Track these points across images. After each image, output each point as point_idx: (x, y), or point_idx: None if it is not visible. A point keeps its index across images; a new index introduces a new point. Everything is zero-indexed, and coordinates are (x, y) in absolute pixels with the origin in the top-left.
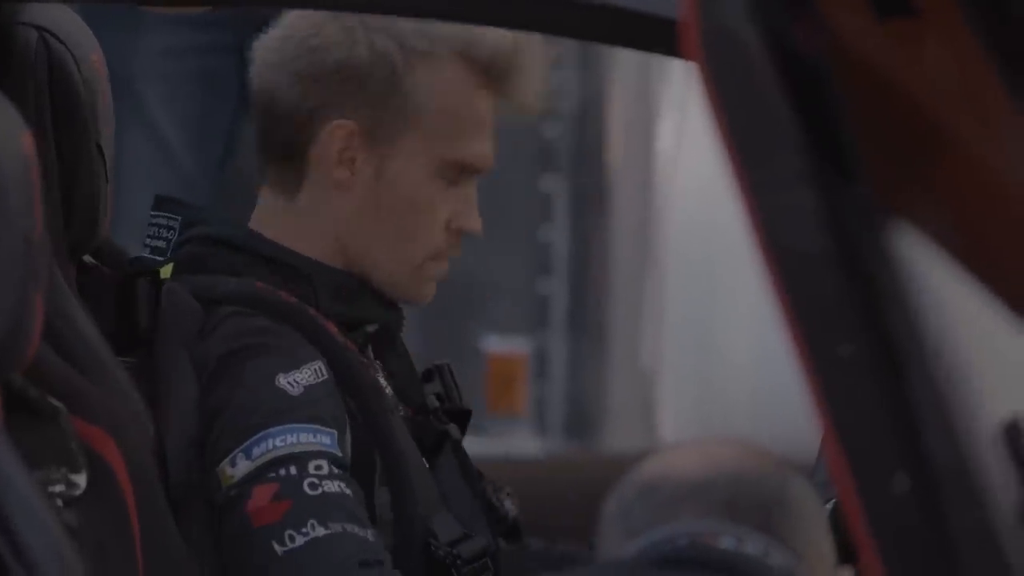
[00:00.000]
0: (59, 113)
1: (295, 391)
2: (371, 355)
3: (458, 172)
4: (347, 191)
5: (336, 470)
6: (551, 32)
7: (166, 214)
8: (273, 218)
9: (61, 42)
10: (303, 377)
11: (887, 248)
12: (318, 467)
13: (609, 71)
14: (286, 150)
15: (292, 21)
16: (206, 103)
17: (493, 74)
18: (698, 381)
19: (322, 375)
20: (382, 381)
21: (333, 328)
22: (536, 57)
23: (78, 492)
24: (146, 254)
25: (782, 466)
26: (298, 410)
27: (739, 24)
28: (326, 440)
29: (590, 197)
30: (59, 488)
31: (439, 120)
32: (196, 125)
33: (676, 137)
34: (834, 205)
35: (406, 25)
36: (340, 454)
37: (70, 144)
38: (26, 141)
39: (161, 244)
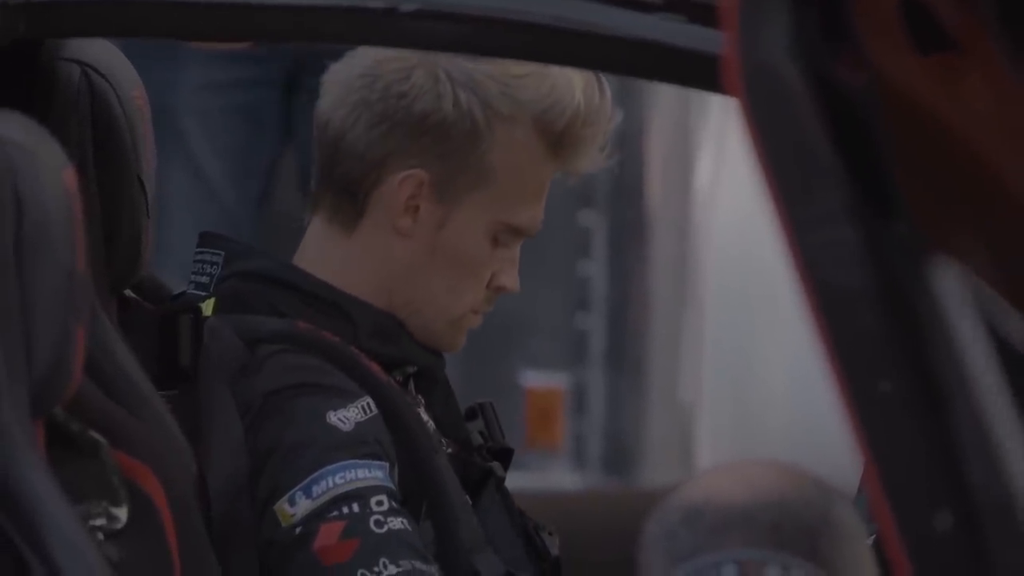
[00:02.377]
0: (101, 148)
1: (346, 427)
2: (413, 391)
3: (512, 235)
4: (405, 238)
5: (395, 505)
6: (594, 67)
7: (210, 250)
8: (321, 250)
9: (103, 77)
10: (352, 414)
11: (928, 284)
12: (379, 503)
13: (648, 106)
14: (350, 186)
15: (378, 61)
16: (247, 137)
17: (562, 145)
18: (736, 416)
19: (371, 411)
20: (425, 417)
21: (375, 366)
22: (603, 129)
23: (119, 526)
24: (190, 289)
25: (826, 490)
26: (351, 447)
27: (781, 60)
28: (380, 475)
29: (629, 232)
30: (100, 522)
31: (507, 183)
32: (237, 159)
33: (714, 172)
34: (875, 241)
35: (492, 86)
36: (395, 488)
37: (112, 179)
38: (69, 176)
39: (205, 280)
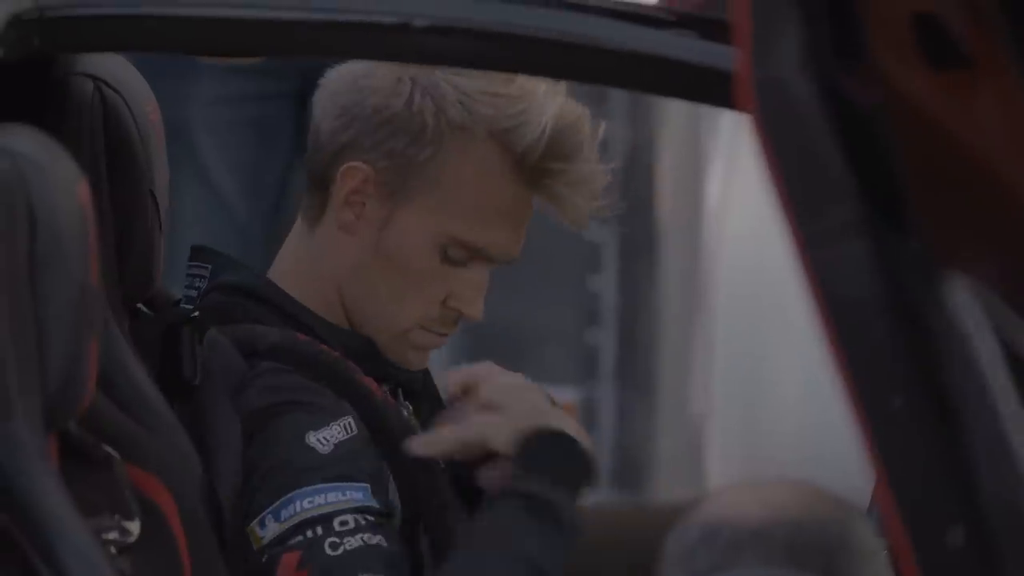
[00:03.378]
0: (114, 162)
1: (324, 449)
2: (402, 399)
3: (468, 254)
4: (350, 235)
5: (364, 521)
6: (604, 82)
7: (200, 263)
8: (289, 247)
9: (116, 92)
10: (333, 433)
11: (940, 299)
12: (343, 523)
13: (658, 121)
14: (315, 182)
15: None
16: (260, 151)
17: (528, 171)
18: (747, 431)
19: (352, 430)
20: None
21: (369, 380)
22: (581, 171)
23: (131, 539)
24: (184, 304)
25: (844, 508)
26: (327, 468)
27: (793, 76)
28: (357, 495)
29: (639, 247)
30: (113, 535)
31: (456, 195)
32: (250, 173)
33: (724, 187)
34: (887, 256)
35: (451, 94)
36: (375, 505)
37: (125, 193)
38: (82, 190)
39: (193, 293)
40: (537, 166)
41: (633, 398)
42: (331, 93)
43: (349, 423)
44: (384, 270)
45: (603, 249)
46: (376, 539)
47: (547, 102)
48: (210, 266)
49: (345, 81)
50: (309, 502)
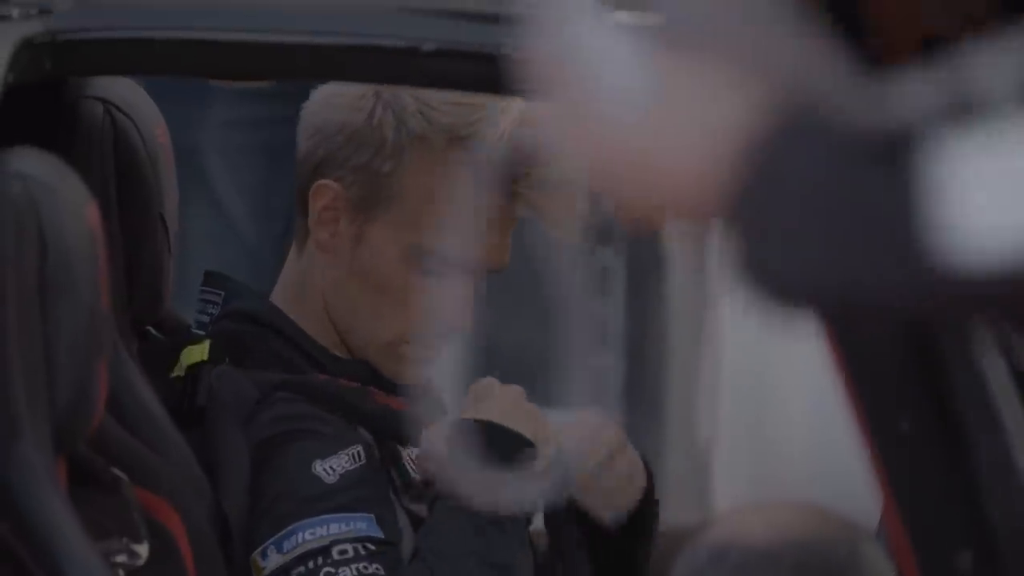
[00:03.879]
0: (123, 185)
1: (331, 478)
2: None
3: (440, 263)
4: (327, 253)
5: (364, 551)
6: None
7: (213, 289)
8: (287, 275)
9: (126, 115)
10: (340, 463)
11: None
12: (342, 552)
13: None
14: (299, 203)
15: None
16: (270, 175)
17: (513, 181)
18: (754, 454)
19: (360, 459)
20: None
21: (390, 400)
22: (553, 168)
23: (140, 562)
24: (194, 329)
25: (853, 530)
26: (331, 498)
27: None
28: (360, 525)
29: (646, 271)
30: (122, 558)
31: (422, 206)
32: (260, 196)
33: None
34: None
35: (411, 105)
36: (378, 535)
37: (134, 216)
38: (92, 213)
39: (205, 319)
40: (502, 168)
41: (640, 421)
42: (307, 114)
43: (358, 452)
44: (362, 286)
45: (611, 273)
46: (372, 568)
47: (507, 107)
48: (222, 292)
49: (318, 101)
50: (311, 533)
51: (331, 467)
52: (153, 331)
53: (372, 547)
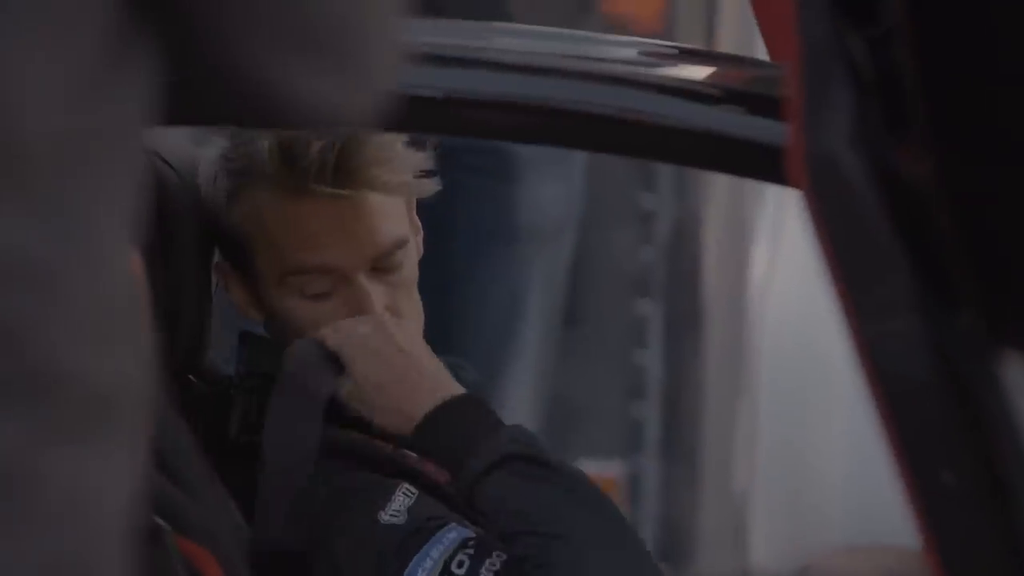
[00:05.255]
0: (165, 235)
1: (401, 519)
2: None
3: (315, 282)
4: (260, 318)
5: (475, 550)
6: (650, 157)
7: (241, 347)
8: None
9: (168, 164)
10: (400, 503)
11: (992, 375)
12: (460, 563)
13: (703, 195)
14: None
15: None
16: None
17: (295, 176)
18: (791, 505)
19: (413, 492)
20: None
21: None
22: (364, 143)
23: None
24: (232, 390)
25: None
26: (416, 535)
27: (843, 151)
28: (452, 535)
29: (684, 322)
30: None
31: (261, 243)
32: None
33: (769, 262)
34: (939, 332)
35: (215, 160)
36: (470, 533)
37: (175, 264)
38: (134, 261)
39: (236, 379)
40: (299, 168)
41: (677, 472)
42: None
43: (407, 488)
44: (291, 334)
45: (649, 323)
46: (495, 557)
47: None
48: (247, 351)
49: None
50: (423, 571)
51: (395, 510)
52: (194, 379)
53: (475, 543)
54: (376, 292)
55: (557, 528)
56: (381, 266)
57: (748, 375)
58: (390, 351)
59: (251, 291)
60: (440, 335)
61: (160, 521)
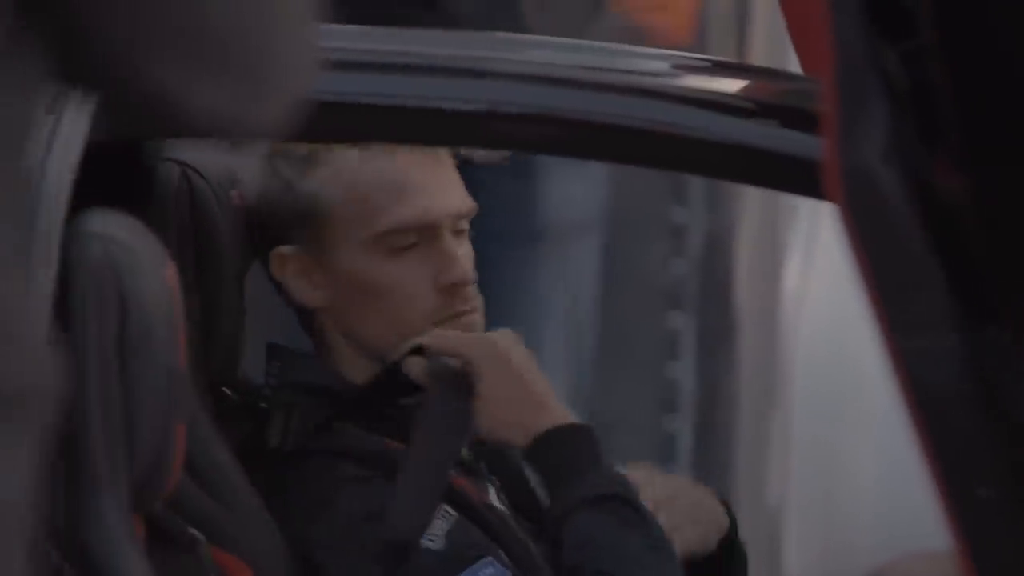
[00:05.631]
0: (200, 247)
1: (438, 544)
2: (486, 473)
3: (404, 237)
4: (327, 309)
5: None
6: (684, 170)
7: (271, 360)
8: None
9: (203, 177)
10: (438, 527)
11: None
12: None
13: (736, 208)
14: (286, 300)
15: None
16: None
17: None
18: (825, 519)
19: (451, 514)
20: (498, 504)
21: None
22: None
23: None
24: (261, 403)
25: None
26: (451, 561)
27: (878, 164)
28: (489, 571)
29: (717, 334)
30: None
31: (347, 205)
32: None
33: (803, 275)
34: (975, 347)
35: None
36: (507, 572)
37: (210, 277)
38: (170, 274)
39: (268, 391)
40: None
41: (710, 484)
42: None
43: (445, 510)
44: (367, 306)
45: (681, 336)
46: None
47: None
48: (279, 363)
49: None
50: None
51: (433, 535)
52: (228, 392)
53: None
54: (459, 251)
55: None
56: (459, 227)
57: (781, 388)
58: (519, 366)
59: (319, 268)
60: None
61: (195, 532)
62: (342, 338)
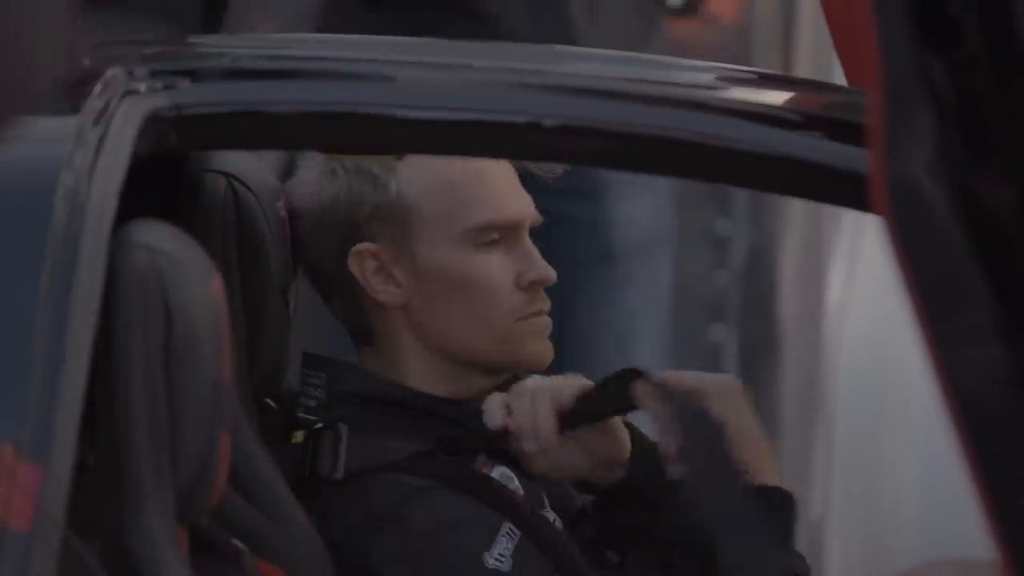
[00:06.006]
0: (245, 258)
1: (506, 565)
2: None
3: (490, 234)
4: (399, 305)
5: None
6: (729, 182)
7: (314, 372)
8: (368, 361)
9: (248, 188)
10: (504, 546)
11: None
12: None
13: (779, 220)
14: (330, 291)
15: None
16: None
17: None
18: (867, 533)
19: (516, 533)
20: (550, 513)
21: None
22: None
23: None
24: (300, 413)
25: None
26: None
27: (924, 177)
28: None
29: (759, 347)
30: None
31: (436, 200)
32: None
33: (845, 288)
34: (1020, 357)
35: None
36: None
37: (255, 289)
38: (215, 285)
39: (312, 403)
40: None
41: None
42: (295, 213)
43: (510, 528)
44: (449, 302)
45: (724, 349)
46: None
47: None
48: (323, 375)
49: (293, 197)
50: None
51: (500, 554)
52: (272, 403)
53: None
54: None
55: None
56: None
57: (824, 401)
58: (746, 408)
59: (402, 264)
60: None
61: (238, 543)
62: (414, 339)
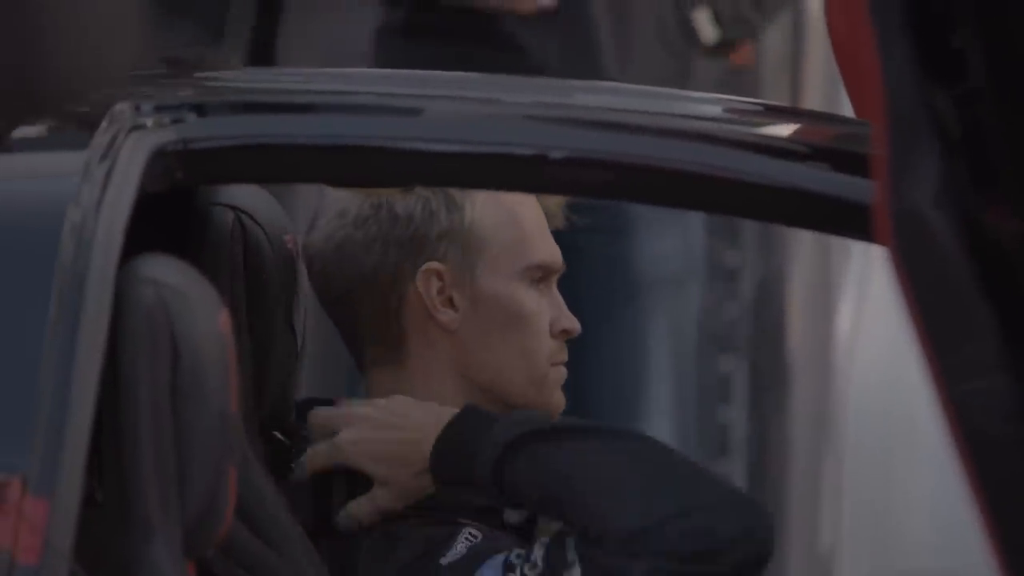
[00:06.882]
0: (252, 291)
1: (461, 551)
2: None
3: (541, 275)
4: (451, 333)
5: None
6: (737, 214)
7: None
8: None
9: (255, 222)
10: (462, 546)
11: None
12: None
13: (788, 252)
14: (380, 322)
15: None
16: None
17: None
18: (876, 565)
19: (476, 535)
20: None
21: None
22: None
23: None
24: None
25: None
26: (475, 557)
27: (929, 208)
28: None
29: (768, 378)
30: None
31: (506, 232)
32: None
33: (854, 319)
34: None
35: None
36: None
37: (263, 322)
38: (222, 319)
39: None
40: None
41: None
42: (336, 245)
43: (469, 532)
44: (501, 333)
45: (733, 380)
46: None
47: None
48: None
49: (339, 225)
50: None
51: (456, 552)
52: (279, 436)
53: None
54: None
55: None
56: None
57: (833, 432)
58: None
59: (463, 289)
60: (571, 399)
61: (242, 573)
62: (453, 365)
